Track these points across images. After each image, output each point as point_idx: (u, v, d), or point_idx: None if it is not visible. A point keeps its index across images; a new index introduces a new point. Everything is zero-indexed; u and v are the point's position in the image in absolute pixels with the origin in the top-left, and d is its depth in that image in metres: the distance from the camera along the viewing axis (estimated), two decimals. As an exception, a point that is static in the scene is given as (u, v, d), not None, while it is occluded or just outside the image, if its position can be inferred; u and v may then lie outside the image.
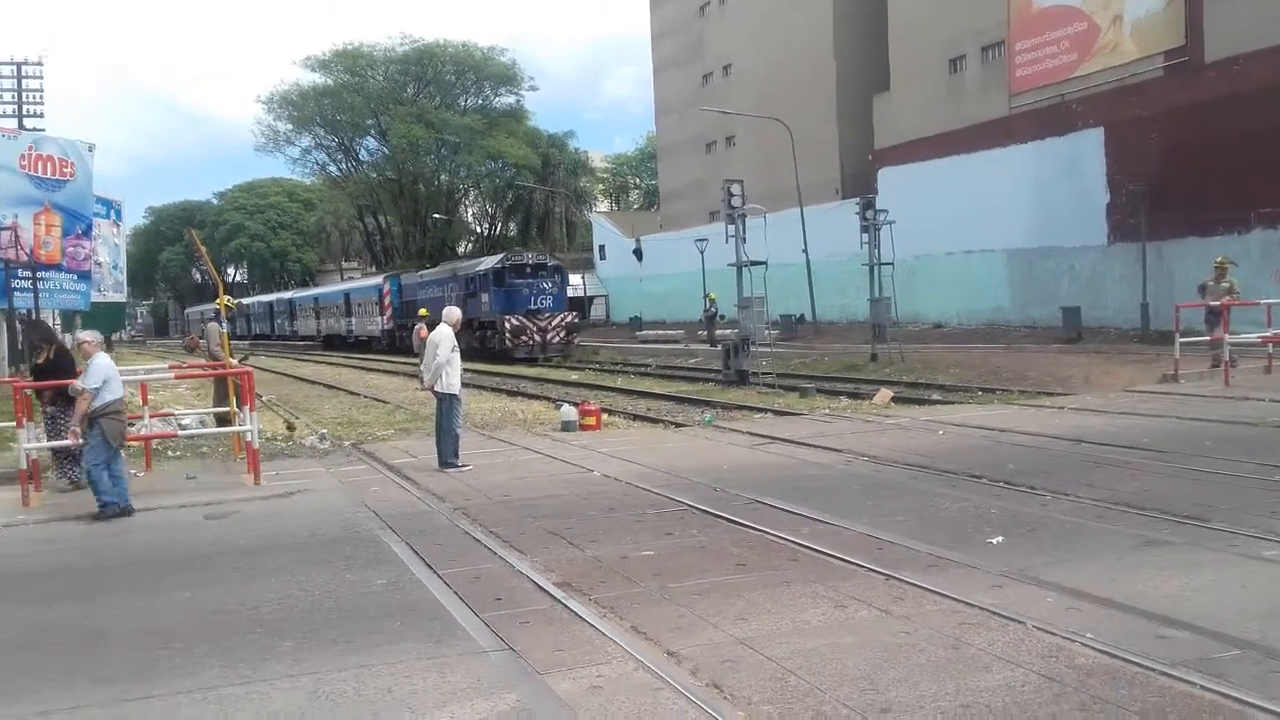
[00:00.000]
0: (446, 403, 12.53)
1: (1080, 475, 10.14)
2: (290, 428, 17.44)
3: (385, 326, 53.55)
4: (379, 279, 58.42)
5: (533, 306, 39.71)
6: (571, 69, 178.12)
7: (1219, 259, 20.49)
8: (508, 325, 38.92)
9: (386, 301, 52.95)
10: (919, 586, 6.58)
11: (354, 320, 60.41)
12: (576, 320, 42.27)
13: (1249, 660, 5.17)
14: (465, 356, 33.82)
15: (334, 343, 63.75)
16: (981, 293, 37.49)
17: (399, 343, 49.22)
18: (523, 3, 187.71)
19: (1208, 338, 19.26)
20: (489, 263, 42.71)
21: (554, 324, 39.82)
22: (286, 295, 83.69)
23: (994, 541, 7.69)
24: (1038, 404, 16.98)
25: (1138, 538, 7.67)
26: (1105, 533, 7.90)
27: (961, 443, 12.80)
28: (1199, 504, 8.58)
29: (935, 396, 19.74)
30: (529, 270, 40.95)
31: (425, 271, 54.42)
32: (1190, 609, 5.94)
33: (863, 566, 7.13)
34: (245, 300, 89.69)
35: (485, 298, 41.09)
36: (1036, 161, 35.24)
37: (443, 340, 12.54)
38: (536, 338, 39.21)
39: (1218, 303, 18.87)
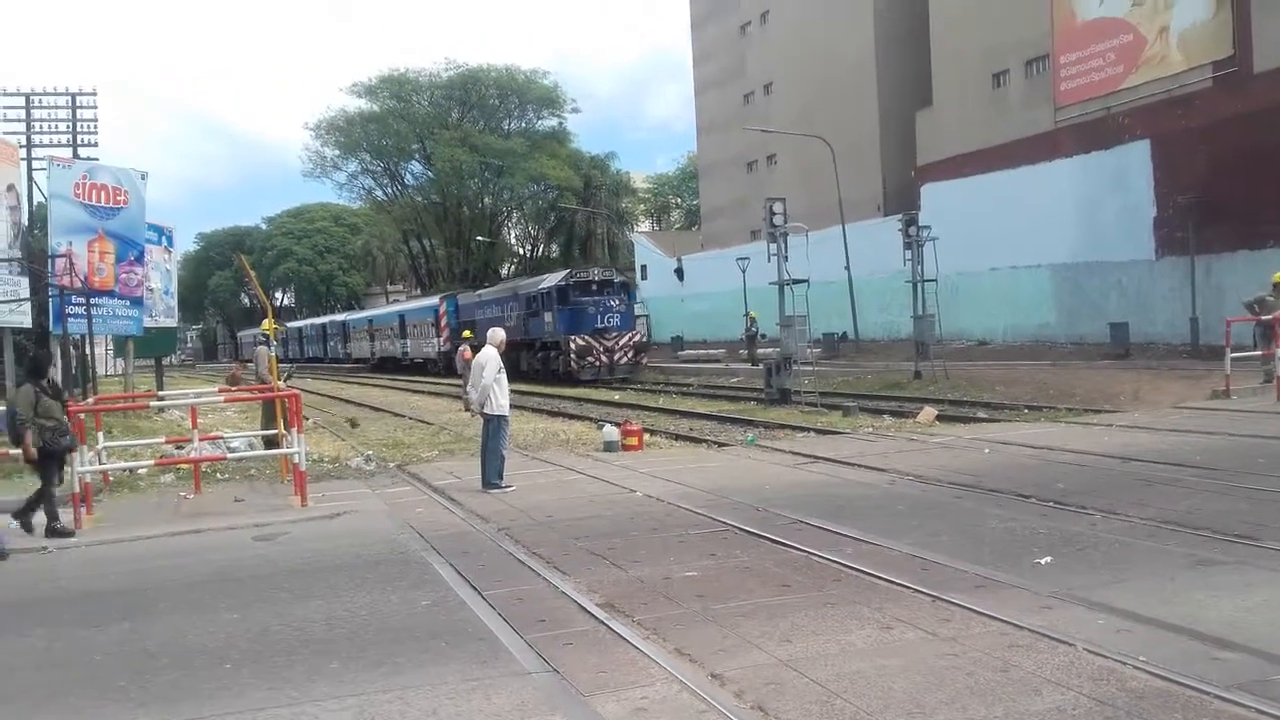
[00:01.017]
0: (494, 424, 12.58)
1: (1130, 494, 10.00)
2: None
3: (442, 348, 51.77)
4: (435, 299, 56.75)
5: (599, 325, 37.19)
6: (614, 89, 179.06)
7: (1278, 274, 20.02)
8: (573, 346, 36.59)
9: (443, 322, 51.69)
10: (966, 608, 6.50)
11: (409, 342, 59.43)
12: (645, 340, 39.95)
13: (1305, 682, 5.06)
14: (528, 379, 33.42)
15: (388, 365, 62.64)
16: (1027, 309, 37.16)
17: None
18: (566, 24, 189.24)
19: (1259, 353, 18.93)
20: (552, 280, 40.34)
21: (621, 344, 37.35)
22: (339, 317, 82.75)
23: (1042, 562, 7.59)
24: (1085, 422, 16.76)
25: (1189, 557, 7.54)
26: (1156, 552, 7.78)
27: (1008, 461, 12.66)
28: (1251, 523, 8.43)
29: (980, 414, 19.54)
30: (594, 287, 38.51)
31: (483, 291, 52.24)
32: (1244, 630, 5.82)
33: (909, 587, 7.06)
34: (296, 324, 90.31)
35: (548, 317, 38.98)
36: (1082, 175, 34.96)
37: (489, 361, 12.60)
38: (603, 358, 36.78)
39: (1269, 317, 18.56)
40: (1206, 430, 14.28)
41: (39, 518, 10.79)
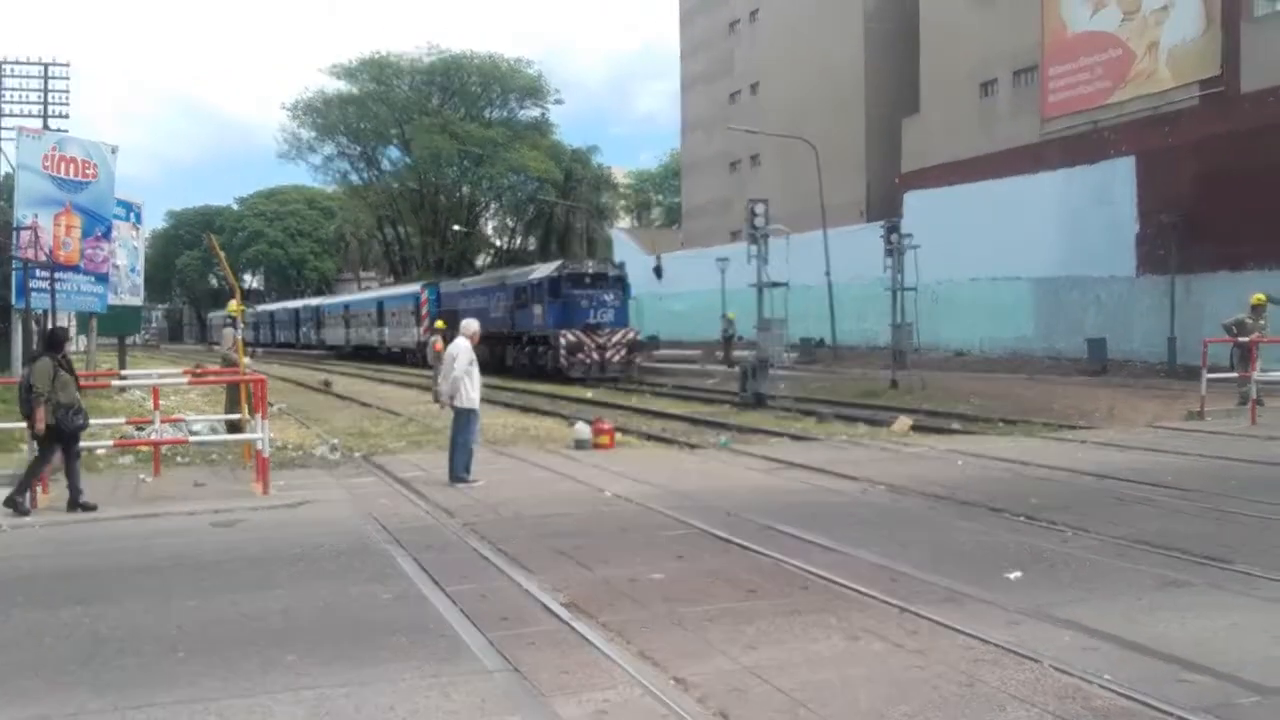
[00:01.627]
0: (464, 417, 12.45)
1: (1102, 511, 9.99)
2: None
3: (422, 338, 48.20)
4: (416, 287, 54.34)
5: (591, 320, 35.41)
6: (600, 82, 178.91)
7: (1258, 296, 20.05)
8: (563, 341, 34.62)
9: (424, 311, 49.34)
10: (934, 620, 6.45)
11: (387, 330, 57.38)
12: (639, 337, 37.79)
13: (1270, 707, 5.07)
14: (514, 374, 32.78)
15: (364, 354, 60.27)
16: (1006, 321, 37.28)
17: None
18: (553, 15, 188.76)
19: (1234, 375, 19.00)
20: (544, 271, 38.37)
21: (614, 341, 35.40)
22: (314, 302, 79.99)
23: (1012, 577, 7.55)
24: (1060, 437, 16.80)
25: (1159, 577, 7.52)
26: (1126, 571, 7.76)
27: (981, 474, 12.65)
28: (1222, 545, 8.44)
29: (955, 426, 19.54)
30: (588, 280, 36.54)
31: (468, 280, 50.12)
32: (1211, 652, 5.81)
33: (877, 598, 7.01)
34: (267, 307, 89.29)
35: (538, 310, 37.08)
36: (1066, 189, 35.08)
37: (460, 353, 12.47)
38: (594, 355, 34.84)
39: (1247, 339, 18.62)
40: (1180, 450, 14.33)
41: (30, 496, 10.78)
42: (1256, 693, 5.22)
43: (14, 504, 10.55)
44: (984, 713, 5.00)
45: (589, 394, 29.11)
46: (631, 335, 36.69)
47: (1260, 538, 8.77)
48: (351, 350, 63.78)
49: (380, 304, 59.23)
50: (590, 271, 37.37)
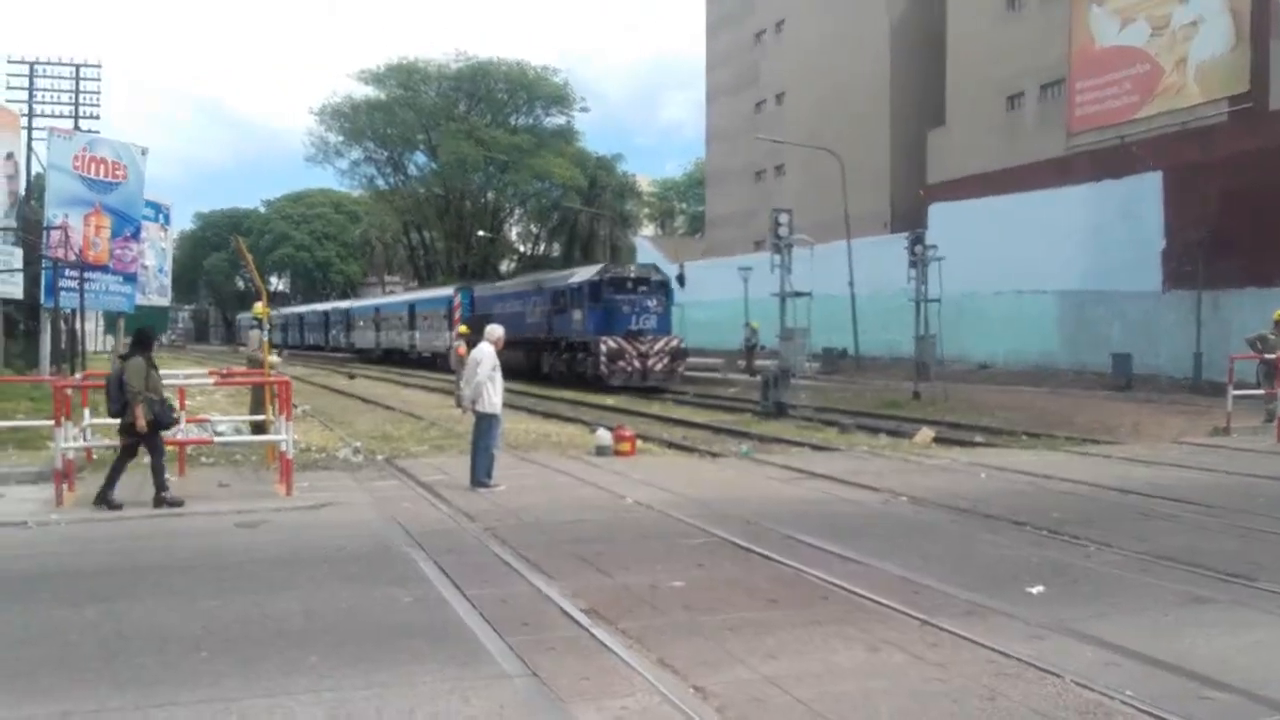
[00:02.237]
0: (486, 422, 12.48)
1: (1126, 526, 9.93)
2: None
3: (455, 342, 48.63)
4: (449, 290, 52.07)
5: (634, 327, 33.77)
6: (626, 91, 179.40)
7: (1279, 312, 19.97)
8: (604, 348, 33.05)
9: (457, 315, 47.52)
10: (955, 633, 6.43)
11: (418, 334, 56.01)
12: (683, 346, 35.78)
13: (1295, 727, 5.01)
14: (550, 382, 32.45)
15: (394, 358, 58.46)
16: (1030, 334, 37.07)
17: None
18: (581, 23, 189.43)
19: (1261, 391, 18.84)
20: (584, 275, 36.66)
21: (657, 349, 33.58)
22: (343, 305, 78.61)
23: (1034, 590, 7.51)
24: (1084, 451, 16.69)
25: (1183, 594, 7.46)
26: (1149, 587, 7.70)
27: (1004, 487, 12.59)
28: (1247, 562, 8.37)
29: (978, 438, 19.44)
30: (630, 285, 34.93)
31: (504, 283, 48.51)
32: (1234, 670, 5.76)
33: (898, 609, 6.97)
34: (296, 309, 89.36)
35: (577, 315, 35.53)
36: (1092, 203, 34.89)
37: (484, 358, 12.50)
38: (636, 364, 33.15)
39: (1273, 356, 18.48)
40: (1206, 467, 14.22)
41: (119, 494, 10.95)
42: (1279, 711, 5.17)
43: (106, 501, 10.80)
44: (1005, 727, 4.97)
45: (610, 400, 29.11)
46: (675, 343, 34.88)
47: (1286, 556, 8.68)
48: (381, 354, 62.46)
49: (411, 307, 57.93)
50: (633, 276, 35.70)
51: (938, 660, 5.96)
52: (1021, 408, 24.92)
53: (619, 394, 31.95)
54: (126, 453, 11.21)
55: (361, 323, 69.02)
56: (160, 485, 10.99)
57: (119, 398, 10.81)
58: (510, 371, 36.17)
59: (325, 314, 79.82)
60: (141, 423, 10.70)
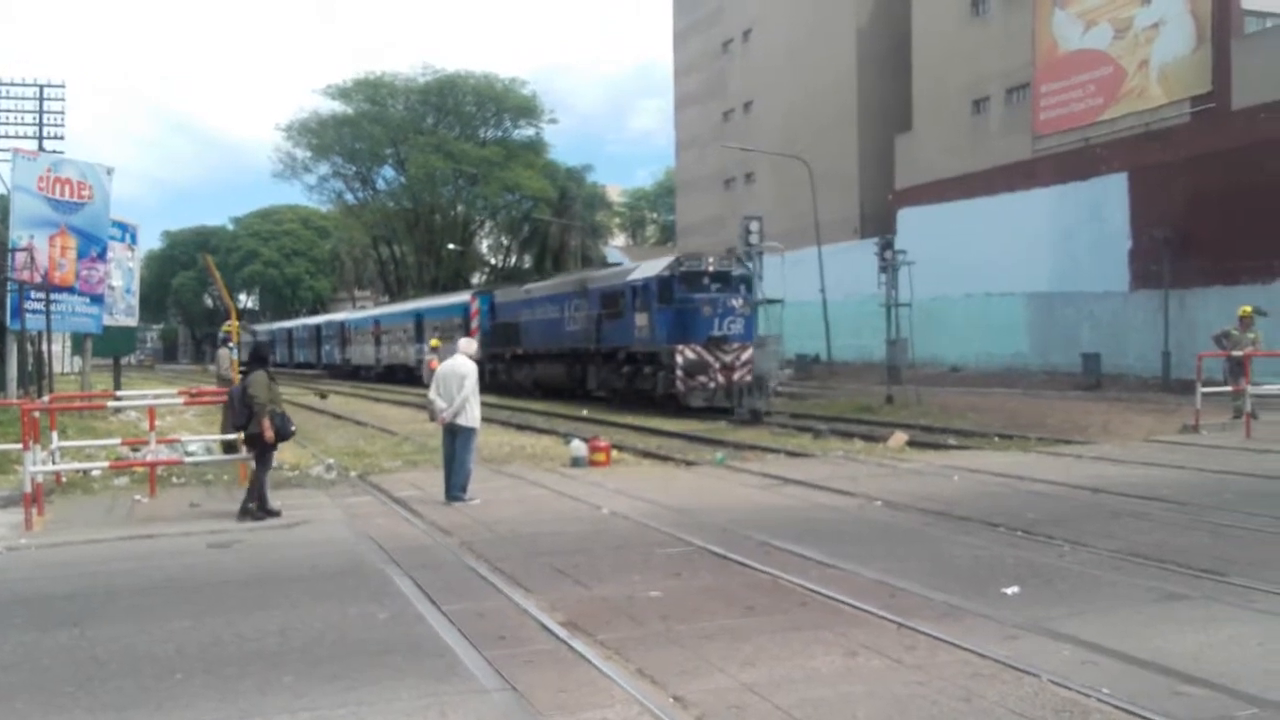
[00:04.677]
0: (464, 436, 12.43)
1: (1098, 525, 10.00)
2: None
3: (427, 356, 41.79)
4: (465, 296, 47.07)
5: (716, 333, 27.25)
6: (596, 101, 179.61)
7: (1244, 308, 20.21)
8: (680, 359, 26.63)
9: (474, 324, 42.08)
10: (932, 636, 6.45)
11: (427, 349, 49.09)
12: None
13: (1267, 719, 5.05)
14: (599, 403, 30.99)
15: (399, 375, 51.61)
16: (1000, 336, 37.37)
17: (491, 378, 37.21)
18: (549, 35, 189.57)
19: (1229, 388, 19.04)
20: (650, 270, 29.52)
21: (744, 359, 26.96)
22: (337, 317, 72.04)
23: (1009, 591, 7.55)
24: (1056, 451, 16.80)
25: (1156, 591, 7.53)
26: (1123, 585, 7.76)
27: (977, 489, 12.65)
28: (1218, 557, 8.45)
29: (951, 441, 19.56)
30: (708, 281, 28.09)
31: (533, 285, 40.80)
32: (1208, 666, 5.81)
33: (874, 614, 7.00)
34: (288, 324, 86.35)
35: (641, 320, 28.91)
36: (1059, 205, 35.26)
37: (470, 372, 12.47)
38: (719, 378, 26.83)
39: (1241, 353, 18.67)
40: (1176, 464, 14.34)
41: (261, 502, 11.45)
42: (1254, 705, 5.22)
43: (265, 513, 11.31)
44: (983, 728, 5.00)
45: (583, 411, 28.96)
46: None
47: (1256, 551, 8.77)
48: (383, 370, 55.53)
49: (419, 317, 50.93)
50: (711, 269, 28.52)
51: (915, 663, 5.98)
52: (993, 409, 25.10)
53: (593, 404, 30.97)
54: (261, 461, 11.56)
55: (359, 337, 62.68)
56: (261, 497, 11.40)
57: (244, 411, 11.26)
58: (545, 390, 35.47)
59: (317, 329, 74.10)
60: (270, 434, 11.13)
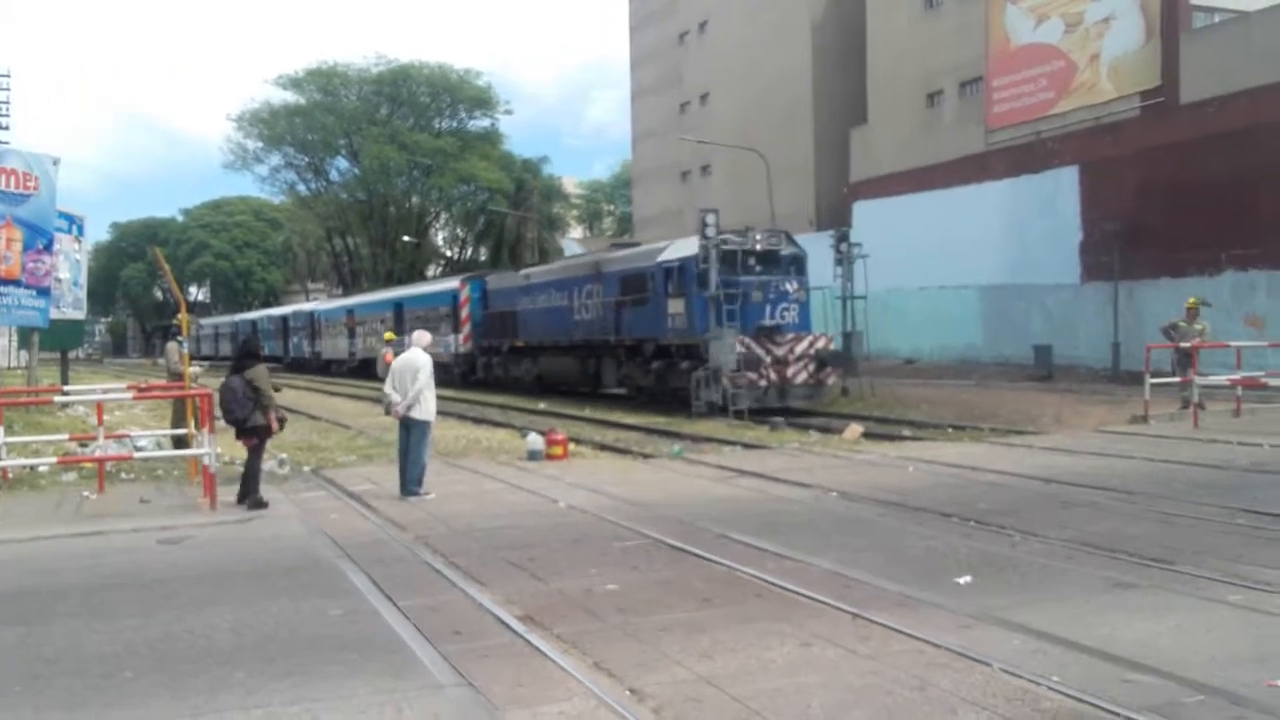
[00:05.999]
0: (419, 429, 12.35)
1: (1050, 515, 10.12)
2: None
3: (461, 349, 38.02)
4: (453, 282, 42.16)
5: (766, 321, 24.00)
6: (553, 93, 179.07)
7: (1191, 300, 20.58)
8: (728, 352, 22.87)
9: (464, 313, 38.23)
10: (886, 626, 6.51)
11: (409, 341, 45.90)
12: (834, 347, 25.29)
13: (1214, 706, 5.15)
14: (612, 403, 30.00)
15: (373, 369, 44.47)
16: (954, 328, 37.66)
17: (485, 372, 36.53)
18: (505, 26, 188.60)
19: (1177, 379, 19.32)
20: (684, 248, 25.38)
21: (798, 352, 23.91)
22: (306, 308, 66.79)
23: (962, 581, 7.63)
24: (1008, 442, 16.99)
25: (1106, 580, 7.63)
26: (1074, 574, 7.86)
27: (932, 480, 12.76)
28: (1166, 546, 8.58)
29: (906, 432, 19.72)
30: (756, 261, 24.42)
31: (533, 269, 36.47)
32: (1156, 653, 5.91)
33: (830, 604, 7.05)
34: (251, 315, 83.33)
35: (675, 306, 24.86)
36: (1011, 198, 35.56)
37: (424, 365, 12.41)
38: (771, 374, 23.48)
39: (1188, 345, 18.96)
40: (1125, 454, 14.54)
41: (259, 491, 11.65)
42: (1200, 691, 5.31)
43: (257, 504, 11.43)
44: (936, 717, 5.06)
45: (541, 404, 28.85)
46: (822, 342, 24.77)
47: (1203, 539, 8.92)
48: (358, 364, 50.61)
49: (398, 306, 46.44)
50: (758, 248, 24.63)
51: (869, 653, 6.03)
52: (947, 401, 25.31)
53: (549, 396, 30.51)
54: (255, 454, 11.73)
55: (331, 329, 57.39)
56: (255, 489, 11.59)
57: (244, 404, 11.38)
58: (551, 387, 33.82)
59: (283, 319, 68.78)
60: (276, 425, 11.49)
